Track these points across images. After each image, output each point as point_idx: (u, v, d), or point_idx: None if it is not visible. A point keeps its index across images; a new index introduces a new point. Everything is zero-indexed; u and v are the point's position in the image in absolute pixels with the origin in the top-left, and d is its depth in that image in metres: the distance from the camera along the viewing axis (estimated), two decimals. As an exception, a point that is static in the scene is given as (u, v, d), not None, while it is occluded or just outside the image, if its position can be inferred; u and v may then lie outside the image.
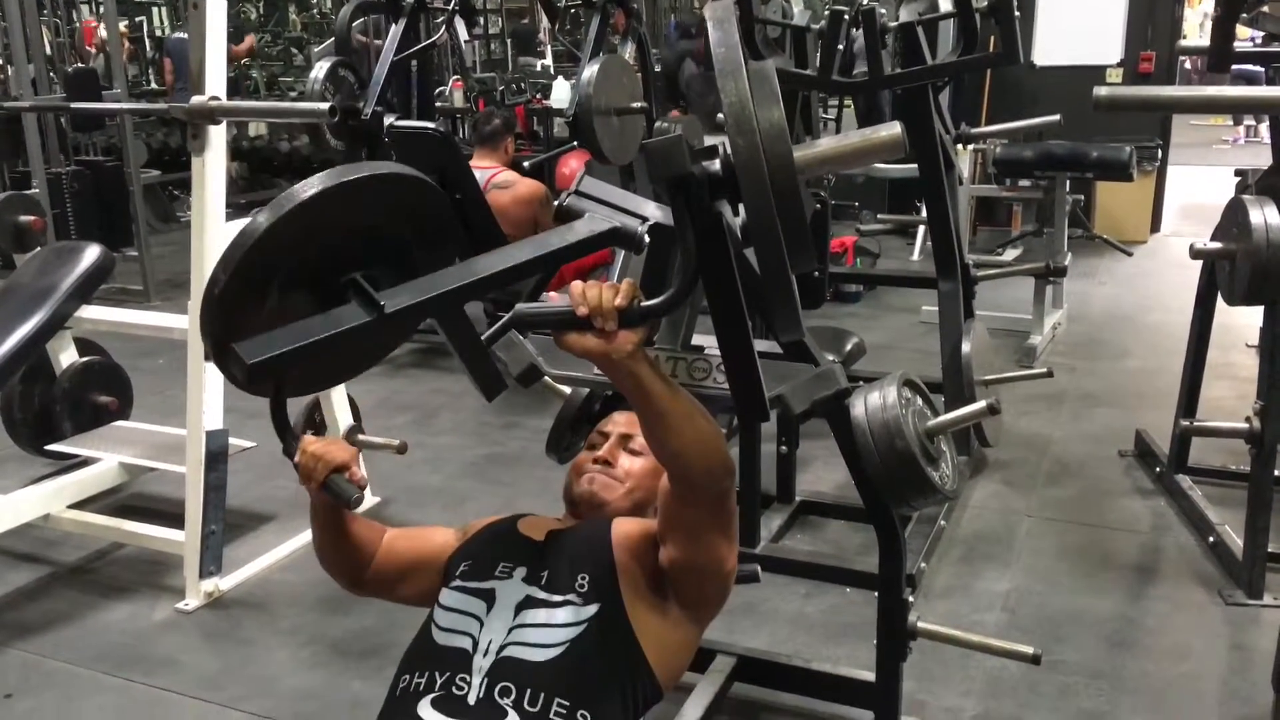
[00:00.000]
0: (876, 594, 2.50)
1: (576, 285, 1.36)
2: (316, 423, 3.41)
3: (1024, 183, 6.35)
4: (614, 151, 4.14)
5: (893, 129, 1.32)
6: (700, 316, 2.19)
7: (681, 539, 1.58)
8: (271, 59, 11.62)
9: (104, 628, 2.85)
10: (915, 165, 3.61)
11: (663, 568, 1.63)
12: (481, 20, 10.38)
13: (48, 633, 2.82)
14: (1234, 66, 2.90)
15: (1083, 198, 6.01)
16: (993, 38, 3.53)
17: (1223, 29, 2.50)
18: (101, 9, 8.85)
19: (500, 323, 1.75)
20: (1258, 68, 4.19)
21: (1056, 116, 3.72)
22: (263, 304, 1.50)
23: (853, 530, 3.25)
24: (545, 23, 10.30)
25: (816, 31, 3.56)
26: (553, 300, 1.46)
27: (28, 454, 3.74)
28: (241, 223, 2.96)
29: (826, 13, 3.41)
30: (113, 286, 5.74)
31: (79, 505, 3.26)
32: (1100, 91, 1.87)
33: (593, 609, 1.58)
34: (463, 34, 7.32)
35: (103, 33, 9.69)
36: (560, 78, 8.17)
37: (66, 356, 3.63)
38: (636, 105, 4.17)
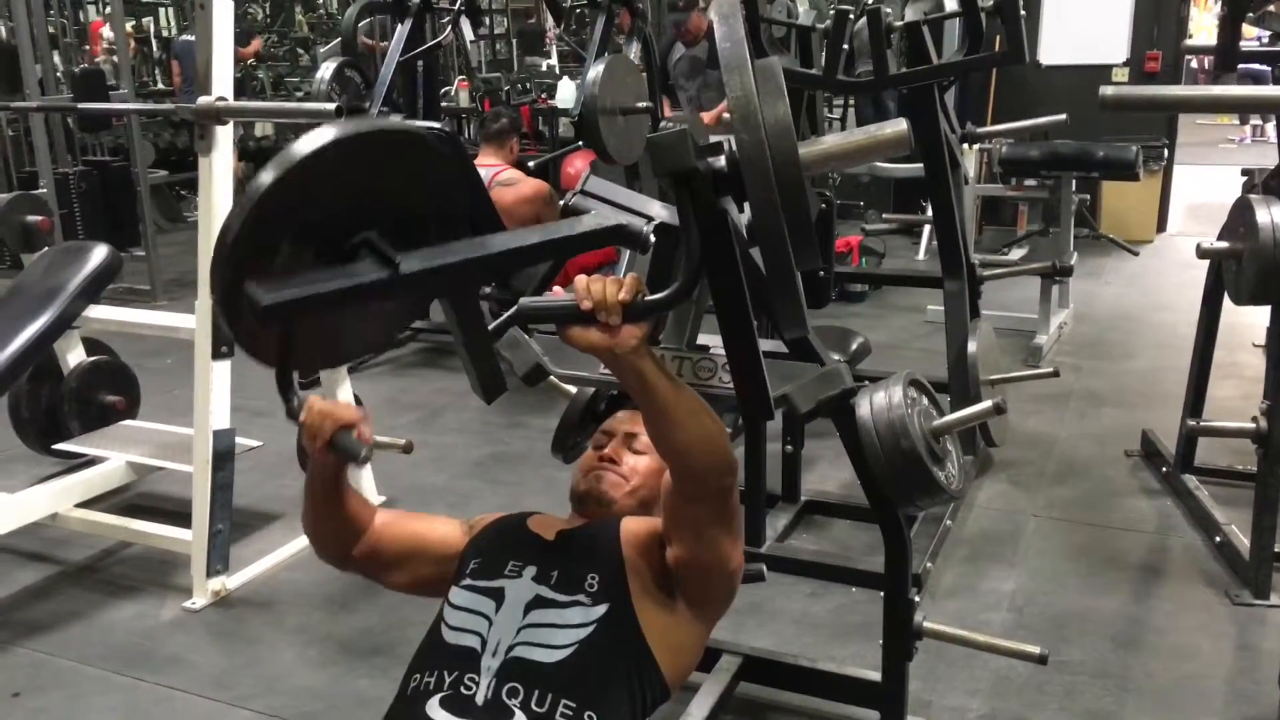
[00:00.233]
0: (882, 594, 2.50)
1: (581, 279, 1.36)
2: (323, 422, 3.42)
3: (1029, 182, 6.34)
4: (619, 151, 4.14)
5: (898, 126, 1.33)
6: (705, 316, 2.20)
7: (685, 536, 1.59)
8: (278, 59, 11.65)
9: (111, 626, 2.86)
10: (921, 165, 3.61)
11: (669, 566, 1.63)
12: (487, 20, 10.39)
13: (55, 631, 2.83)
14: (1241, 66, 2.91)
15: (1089, 197, 6.00)
16: (998, 37, 3.54)
17: (1229, 28, 2.49)
18: (108, 9, 8.88)
19: (507, 314, 1.75)
20: (1264, 67, 4.19)
21: (1063, 116, 3.71)
22: (273, 260, 1.48)
23: (858, 530, 3.24)
24: (551, 23, 10.30)
25: (821, 31, 3.56)
26: (558, 295, 1.45)
27: (35, 453, 3.74)
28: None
29: (831, 12, 3.41)
30: (120, 286, 5.77)
31: (86, 504, 3.26)
32: (1106, 91, 1.87)
33: (602, 609, 1.58)
34: (468, 34, 7.33)
35: (107, 33, 9.72)
36: (565, 78, 8.19)
37: (74, 356, 3.65)
38: (641, 105, 4.18)
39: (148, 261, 6.33)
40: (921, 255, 6.77)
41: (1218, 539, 3.06)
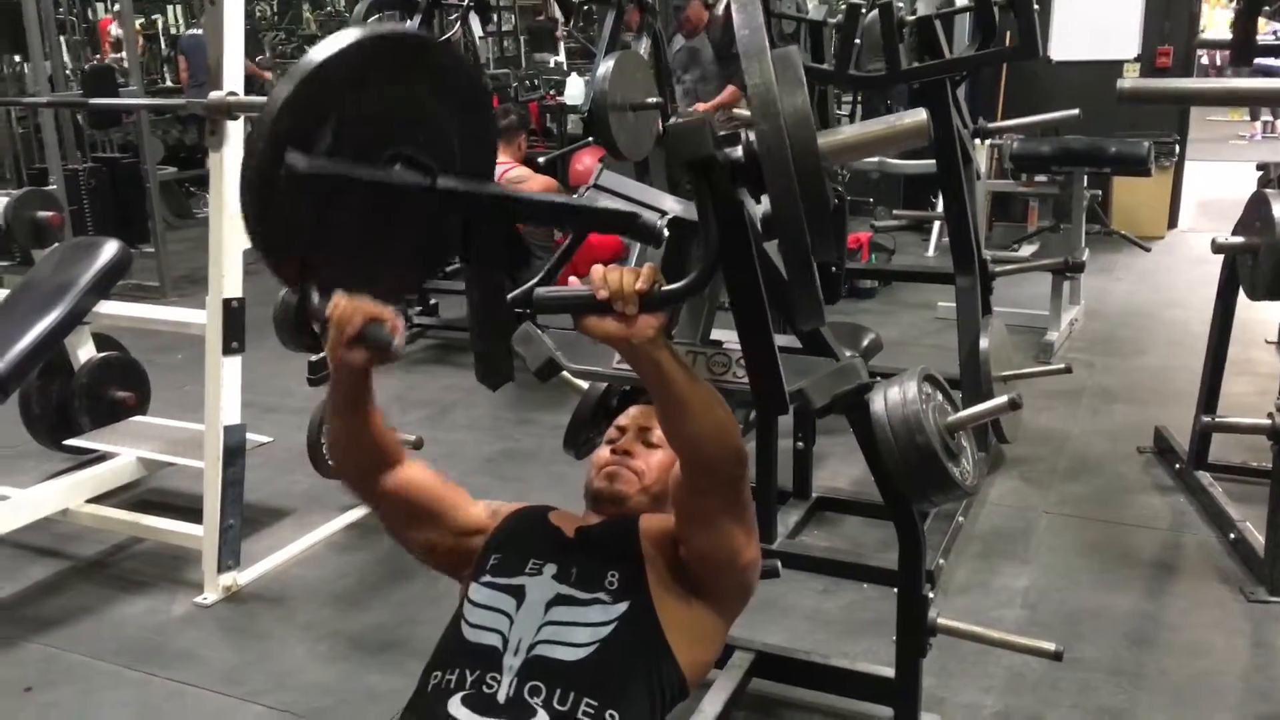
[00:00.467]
0: (895, 590, 2.49)
1: (597, 269, 1.35)
2: (333, 418, 3.42)
3: (1040, 178, 6.32)
4: (629, 147, 4.13)
5: (917, 116, 1.32)
6: (717, 313, 2.19)
7: (697, 530, 1.58)
8: (286, 57, 11.65)
9: (123, 622, 2.86)
10: (931, 161, 3.59)
11: (683, 562, 1.62)
12: (495, 17, 10.39)
13: (67, 627, 2.83)
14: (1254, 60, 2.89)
15: (1100, 193, 5.97)
16: (1009, 32, 3.52)
17: (1245, 22, 2.47)
18: (117, 6, 8.89)
19: (526, 286, 1.76)
20: (1277, 62, 4.16)
21: (1075, 111, 3.69)
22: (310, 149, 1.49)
23: (870, 526, 3.23)
24: (559, 19, 10.29)
25: (833, 26, 3.55)
26: (574, 285, 1.44)
27: (46, 449, 3.75)
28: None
29: (843, 6, 3.40)
30: (129, 282, 5.76)
31: (97, 500, 3.27)
32: (1124, 84, 1.86)
33: (622, 607, 1.57)
34: (477, 30, 7.33)
35: (115, 30, 9.74)
36: (574, 74, 8.17)
37: (85, 352, 3.65)
38: (652, 101, 4.17)
39: (157, 258, 6.34)
40: (931, 252, 6.75)
41: (1232, 536, 3.04)
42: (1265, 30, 3.01)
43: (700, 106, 5.76)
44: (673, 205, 1.92)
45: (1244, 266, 2.86)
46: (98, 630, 2.82)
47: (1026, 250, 6.41)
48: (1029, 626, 2.69)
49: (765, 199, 1.54)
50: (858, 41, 3.30)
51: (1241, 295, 3.13)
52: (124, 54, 7.62)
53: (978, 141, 4.31)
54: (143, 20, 10.66)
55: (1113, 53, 6.97)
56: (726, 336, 2.27)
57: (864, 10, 3.35)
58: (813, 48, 3.67)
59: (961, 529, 3.18)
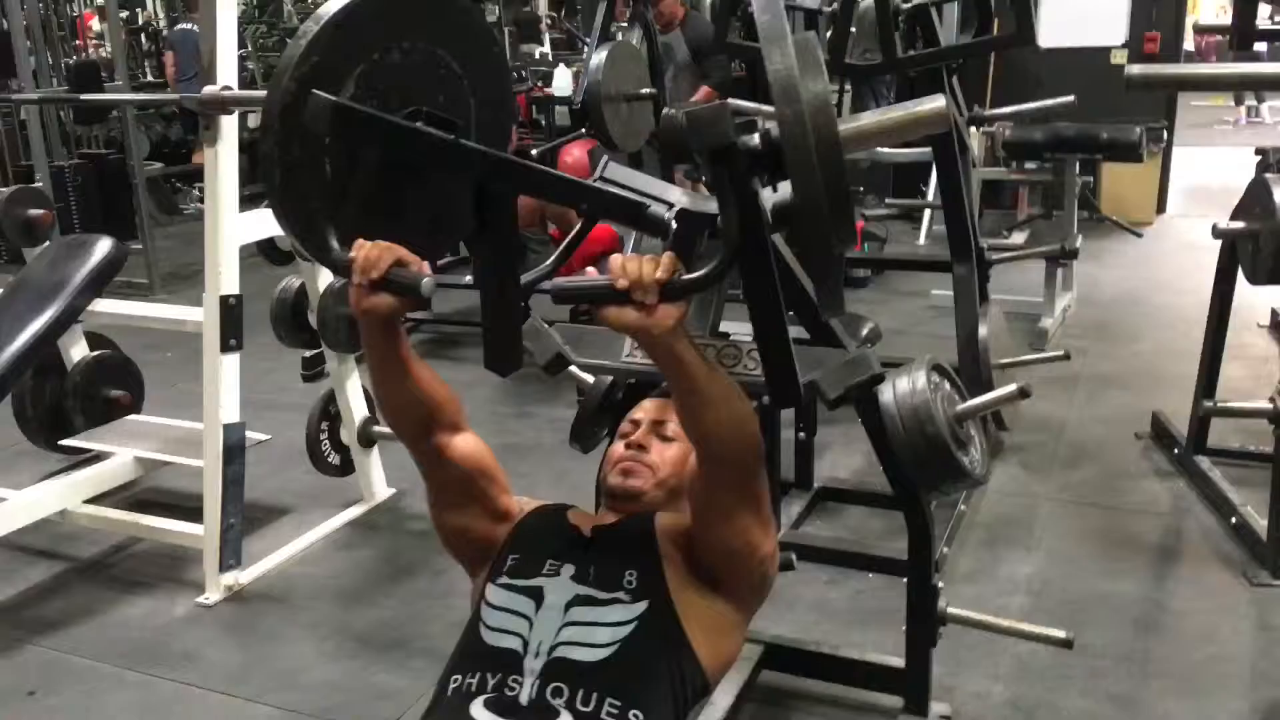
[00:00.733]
0: (900, 579, 2.49)
1: (616, 258, 1.33)
2: (332, 414, 3.40)
3: (1029, 165, 6.33)
4: (623, 138, 4.11)
5: (936, 102, 1.31)
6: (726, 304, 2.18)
7: (714, 523, 1.56)
8: (268, 50, 11.55)
9: (124, 623, 2.84)
10: (922, 149, 3.58)
11: (700, 558, 1.61)
12: (482, 8, 10.31)
13: (68, 629, 2.81)
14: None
15: (1092, 180, 5.98)
16: (996, 20, 3.51)
17: (1245, 7, 2.47)
18: (99, 1, 8.81)
19: (535, 274, 1.76)
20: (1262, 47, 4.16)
21: (1071, 98, 3.69)
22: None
23: (872, 516, 3.23)
24: (545, 10, 10.24)
25: (829, 14, 3.53)
26: (591, 275, 1.42)
27: (40, 449, 3.71)
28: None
29: (838, -5, 3.38)
30: (117, 280, 5.69)
31: (94, 500, 3.24)
32: (1133, 70, 1.85)
33: (642, 606, 1.56)
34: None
35: (96, 25, 9.65)
36: (562, 65, 8.12)
37: (78, 351, 3.61)
38: (645, 91, 4.15)
39: (145, 255, 6.28)
40: (923, 240, 6.75)
41: (1233, 520, 3.05)
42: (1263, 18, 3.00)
43: None
44: (679, 197, 1.91)
45: (1244, 251, 2.87)
46: (99, 632, 2.79)
47: (1018, 237, 6.42)
48: (1034, 614, 2.69)
49: (772, 188, 1.54)
50: (853, 30, 3.28)
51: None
52: (104, 48, 7.55)
53: (972, 129, 4.30)
54: (125, 14, 10.54)
55: (1100, 39, 6.98)
56: (733, 328, 2.27)
57: (860, -1, 3.34)
58: (808, 37, 3.65)
59: (963, 517, 3.19)
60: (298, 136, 1.47)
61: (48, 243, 3.55)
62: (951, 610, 2.28)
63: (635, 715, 1.46)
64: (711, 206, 1.86)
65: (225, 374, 2.87)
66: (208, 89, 2.72)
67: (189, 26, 8.64)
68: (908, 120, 1.29)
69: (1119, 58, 6.94)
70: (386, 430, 3.25)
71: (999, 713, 2.35)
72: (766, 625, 2.58)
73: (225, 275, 2.84)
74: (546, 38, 10.44)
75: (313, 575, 3.06)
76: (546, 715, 1.45)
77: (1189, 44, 10.77)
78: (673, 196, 1.92)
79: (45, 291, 3.16)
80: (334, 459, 3.45)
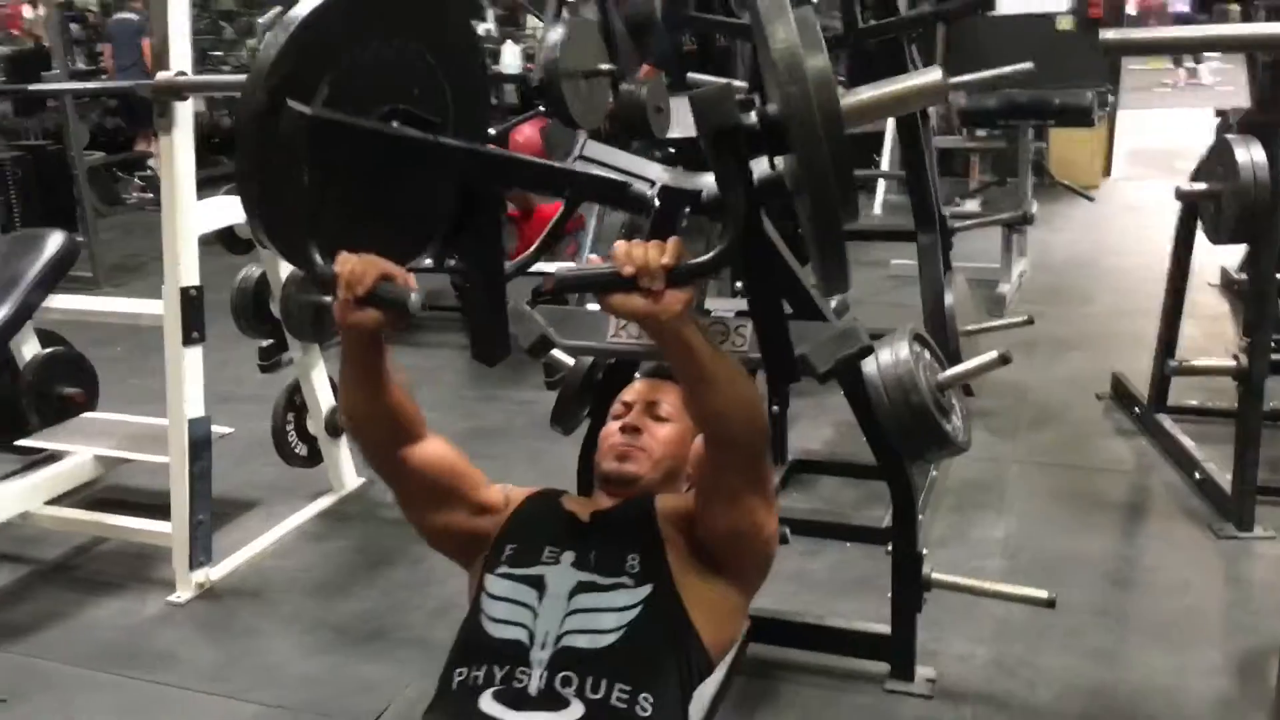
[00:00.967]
0: (877, 548, 2.52)
1: (621, 245, 1.32)
2: (297, 405, 3.34)
3: (980, 132, 6.38)
4: (583, 115, 4.06)
5: (934, 74, 1.31)
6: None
7: (721, 506, 1.56)
8: (200, 34, 11.29)
9: (95, 625, 2.77)
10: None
11: (701, 538, 1.60)
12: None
13: (37, 633, 2.73)
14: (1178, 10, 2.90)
15: (1045, 145, 6.05)
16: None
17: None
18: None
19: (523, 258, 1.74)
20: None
21: (1029, 64, 3.71)
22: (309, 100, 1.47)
23: (846, 486, 3.26)
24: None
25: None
26: (595, 263, 1.41)
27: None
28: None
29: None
30: (61, 274, 5.57)
31: (54, 501, 3.15)
32: (1108, 35, 1.86)
33: (646, 590, 1.55)
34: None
35: (29, 13, 9.37)
36: (509, 41, 8.05)
37: (29, 348, 3.50)
38: (604, 67, 4.10)
39: (89, 248, 6.10)
40: (877, 209, 6.79)
41: (1197, 475, 3.11)
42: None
43: None
44: (660, 174, 1.89)
45: (1206, 212, 2.91)
46: (70, 635, 2.73)
47: (970, 205, 6.48)
48: (1011, 575, 2.72)
49: (771, 165, 1.53)
50: (814, 1, 3.27)
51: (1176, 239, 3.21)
52: (37, 38, 7.32)
53: (928, 98, 4.32)
54: (59, 3, 10.24)
55: (1045, 5, 7.02)
56: (711, 304, 2.27)
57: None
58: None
59: (935, 483, 3.22)
60: (273, 149, 1.42)
61: (-4, 238, 3.43)
62: (936, 576, 2.31)
63: (645, 699, 1.45)
64: (692, 183, 1.86)
65: (189, 367, 2.81)
66: (161, 75, 2.64)
67: (127, 16, 8.42)
68: (906, 93, 1.28)
69: (1065, 24, 6.98)
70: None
71: (983, 674, 2.38)
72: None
73: (185, 266, 2.77)
74: (490, 14, 10.33)
75: (286, 569, 3.02)
76: (557, 705, 1.43)
77: (1131, 8, 10.91)
78: (653, 173, 1.90)
79: (-3, 289, 3.06)
80: (301, 450, 3.40)
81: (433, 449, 1.67)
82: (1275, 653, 2.17)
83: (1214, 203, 2.79)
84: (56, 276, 3.12)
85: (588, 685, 1.44)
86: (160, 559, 2.97)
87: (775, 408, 3.26)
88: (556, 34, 3.88)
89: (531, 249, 2.01)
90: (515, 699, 1.44)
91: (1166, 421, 3.42)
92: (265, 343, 3.43)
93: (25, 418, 3.48)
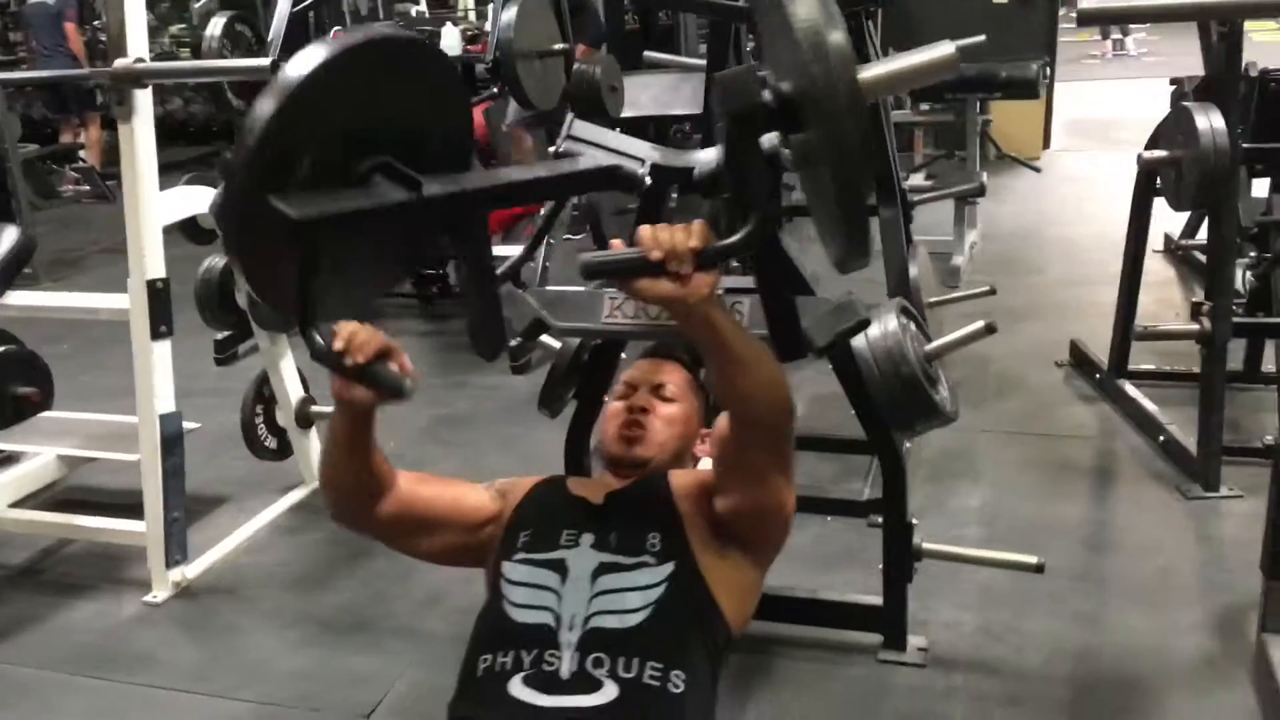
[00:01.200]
0: (857, 520, 2.54)
1: (646, 229, 1.31)
2: (266, 397, 3.29)
3: (924, 106, 6.44)
4: (539, 95, 4.03)
5: (946, 48, 1.31)
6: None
7: (747, 484, 1.57)
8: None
9: (70, 628, 2.70)
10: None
11: (722, 516, 1.61)
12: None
13: (10, 639, 2.66)
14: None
15: (991, 119, 6.13)
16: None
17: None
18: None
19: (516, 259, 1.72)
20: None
21: (982, 37, 3.75)
22: (288, 181, 1.41)
23: (823, 461, 3.27)
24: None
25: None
26: (617, 248, 1.40)
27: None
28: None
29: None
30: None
31: (17, 504, 3.07)
32: (1086, 4, 1.89)
33: (669, 568, 1.55)
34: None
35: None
36: (449, 24, 7.92)
37: (-20, 348, 3.40)
38: (558, 47, 4.08)
39: (24, 243, 5.93)
40: (828, 185, 6.83)
41: (1161, 439, 3.19)
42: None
43: None
44: (648, 152, 1.88)
45: (1167, 179, 2.97)
46: (45, 640, 2.66)
47: (917, 179, 6.54)
48: (990, 542, 2.76)
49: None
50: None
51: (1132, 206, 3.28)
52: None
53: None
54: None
55: (984, -20, 7.11)
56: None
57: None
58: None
59: (910, 454, 3.25)
60: (260, 233, 1.39)
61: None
62: (927, 545, 2.34)
63: (677, 676, 1.46)
64: (683, 160, 1.85)
65: (158, 362, 2.74)
66: (120, 62, 2.56)
67: (42, 0, 8.15)
68: (921, 67, 1.29)
69: (1001, -3, 7.09)
70: (325, 409, 3.16)
71: (972, 640, 2.42)
72: (738, 575, 2.61)
73: (149, 258, 2.69)
74: (423, -4, 10.16)
75: (262, 564, 2.97)
76: (590, 687, 1.43)
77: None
78: (642, 152, 1.89)
79: (-50, 288, 2.95)
80: (271, 443, 3.34)
81: (405, 492, 1.67)
82: (1252, 609, 2.23)
83: (1174, 169, 2.86)
84: (13, 273, 3.02)
85: (620, 665, 1.45)
86: (131, 559, 2.90)
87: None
88: (509, 14, 3.87)
89: (521, 252, 2.00)
90: (546, 683, 1.44)
91: (1128, 386, 3.50)
92: (221, 335, 3.36)
93: (-21, 419, 3.38)
